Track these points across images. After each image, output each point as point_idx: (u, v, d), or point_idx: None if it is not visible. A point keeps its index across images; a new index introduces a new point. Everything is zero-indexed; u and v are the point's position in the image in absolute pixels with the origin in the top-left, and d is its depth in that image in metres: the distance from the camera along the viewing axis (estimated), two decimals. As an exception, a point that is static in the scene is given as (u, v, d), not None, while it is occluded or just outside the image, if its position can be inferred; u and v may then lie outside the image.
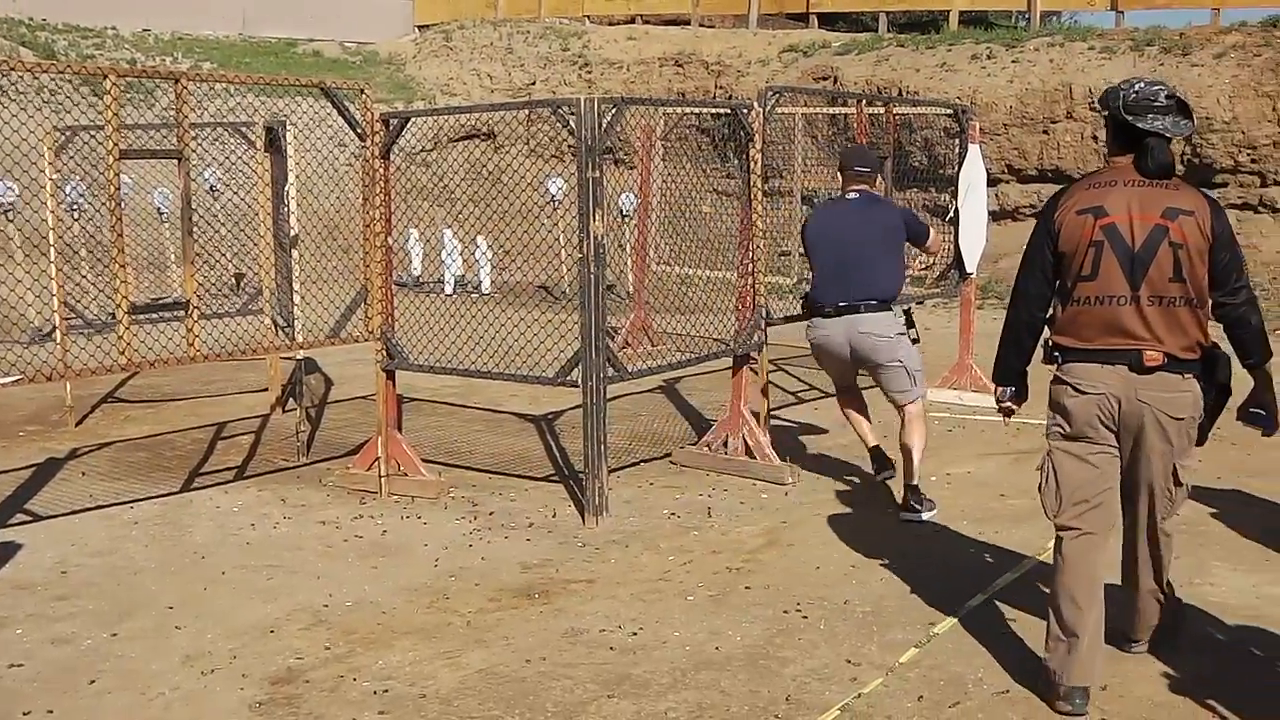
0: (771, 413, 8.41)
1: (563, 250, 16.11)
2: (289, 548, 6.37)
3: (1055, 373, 4.52)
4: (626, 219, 15.48)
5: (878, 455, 7.19)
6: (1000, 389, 4.79)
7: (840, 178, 7.08)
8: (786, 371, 11.33)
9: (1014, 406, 4.82)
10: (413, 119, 7.43)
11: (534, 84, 22.38)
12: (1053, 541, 4.57)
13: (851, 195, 6.98)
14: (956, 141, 10.06)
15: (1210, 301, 4.36)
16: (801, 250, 7.49)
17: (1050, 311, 4.54)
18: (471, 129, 21.14)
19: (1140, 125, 4.34)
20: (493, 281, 17.33)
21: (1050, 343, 4.53)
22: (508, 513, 6.94)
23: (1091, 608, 4.38)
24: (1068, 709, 4.33)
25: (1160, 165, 4.34)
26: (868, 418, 7.32)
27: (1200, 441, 4.45)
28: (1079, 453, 4.44)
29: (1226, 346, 4.45)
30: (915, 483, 6.80)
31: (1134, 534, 4.61)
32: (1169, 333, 4.29)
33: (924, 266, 10.95)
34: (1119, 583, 4.76)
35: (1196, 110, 16.36)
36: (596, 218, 6.48)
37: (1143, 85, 4.38)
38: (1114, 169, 4.42)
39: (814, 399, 10.13)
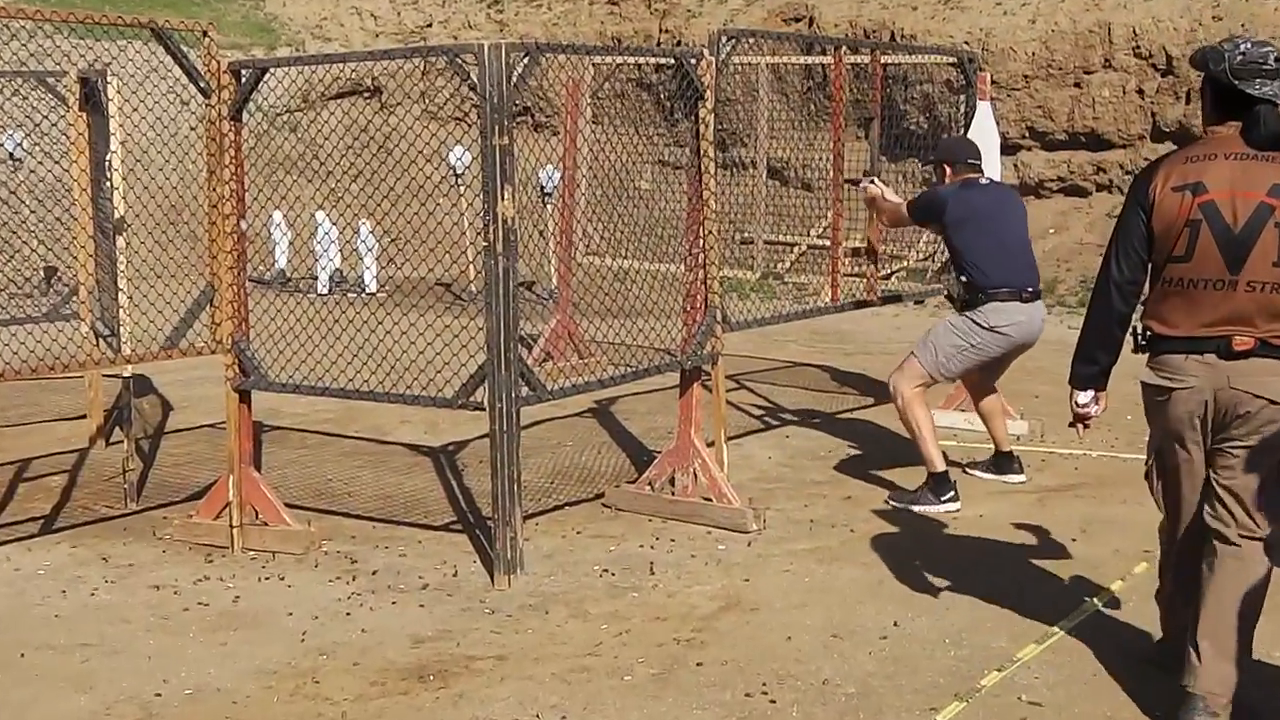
0: (731, 441, 8.40)
1: (468, 238, 16.06)
2: (111, 620, 6.26)
3: (1146, 364, 4.96)
4: (548, 198, 15.46)
5: (1012, 459, 8.56)
6: (1079, 394, 5.14)
7: (946, 171, 8.28)
8: (749, 389, 11.35)
9: (1094, 413, 5.16)
10: (272, 70, 7.35)
11: (430, 26, 22.37)
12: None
13: (984, 181, 8.32)
14: (962, 99, 10.13)
15: None
16: (933, 229, 8.60)
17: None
18: (351, 83, 21.07)
19: (1249, 91, 4.67)
20: (379, 278, 17.25)
21: (1141, 327, 4.94)
22: (395, 571, 6.87)
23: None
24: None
25: (1272, 135, 4.67)
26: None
27: None
28: (1179, 458, 4.97)
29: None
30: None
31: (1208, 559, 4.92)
32: (1267, 320, 4.68)
33: (923, 257, 11.01)
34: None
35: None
36: (506, 196, 6.43)
37: (1249, 46, 4.72)
38: (1215, 139, 4.78)
39: (783, 423, 10.14)
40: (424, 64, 20.52)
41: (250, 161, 7.46)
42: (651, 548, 7.23)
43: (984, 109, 9.76)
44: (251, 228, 7.61)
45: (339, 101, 20.68)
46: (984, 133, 9.70)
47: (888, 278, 12.10)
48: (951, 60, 10.51)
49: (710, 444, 7.83)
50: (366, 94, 21.24)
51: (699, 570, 6.86)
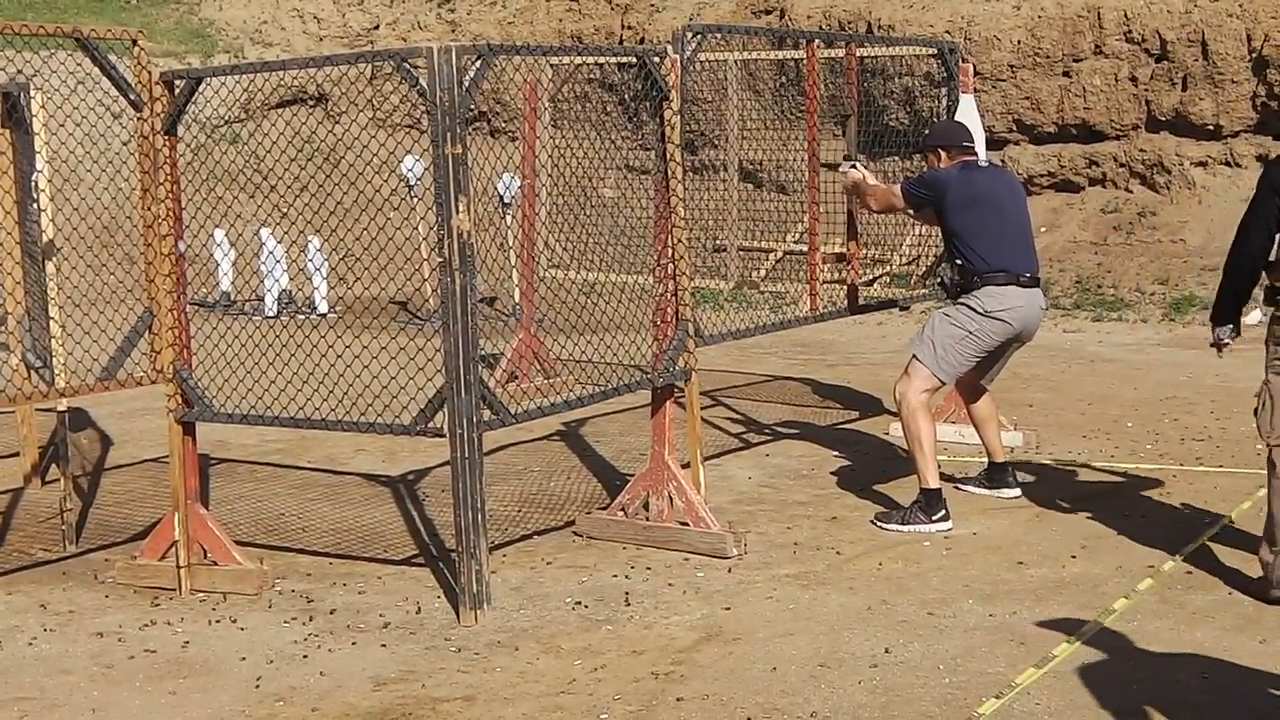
0: (708, 461, 8.43)
1: (423, 253, 16.07)
2: (51, 672, 6.23)
3: (1276, 312, 6.53)
4: (508, 208, 15.48)
5: (1006, 471, 8.65)
6: (1219, 329, 6.94)
7: (941, 156, 8.43)
8: (726, 405, 11.38)
9: (1230, 341, 6.96)
10: (209, 79, 7.36)
11: (377, 29, 22.38)
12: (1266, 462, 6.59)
13: (984, 164, 8.59)
14: (944, 92, 10.19)
15: None
16: (928, 213, 8.52)
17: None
18: (295, 91, 21.07)
19: None
20: (329, 298, 17.24)
21: (1274, 285, 6.53)
22: (355, 610, 6.87)
23: None
24: None
25: None
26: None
27: None
28: None
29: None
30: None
31: None
32: None
33: (907, 261, 11.07)
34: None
35: (1273, 36, 16.65)
36: (461, 208, 6.45)
37: None
38: None
39: (763, 441, 10.18)
40: (371, 69, 20.56)
41: (188, 177, 7.47)
42: (626, 577, 7.24)
43: (967, 102, 9.82)
44: (191, 248, 7.61)
45: (282, 111, 20.68)
46: (969, 126, 9.75)
47: (870, 283, 12.13)
48: (932, 52, 10.56)
49: (686, 465, 7.84)
50: (311, 102, 21.25)
51: (677, 600, 6.88)
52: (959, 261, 8.12)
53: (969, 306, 8.05)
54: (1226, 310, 6.88)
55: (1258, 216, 6.56)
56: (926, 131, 9.21)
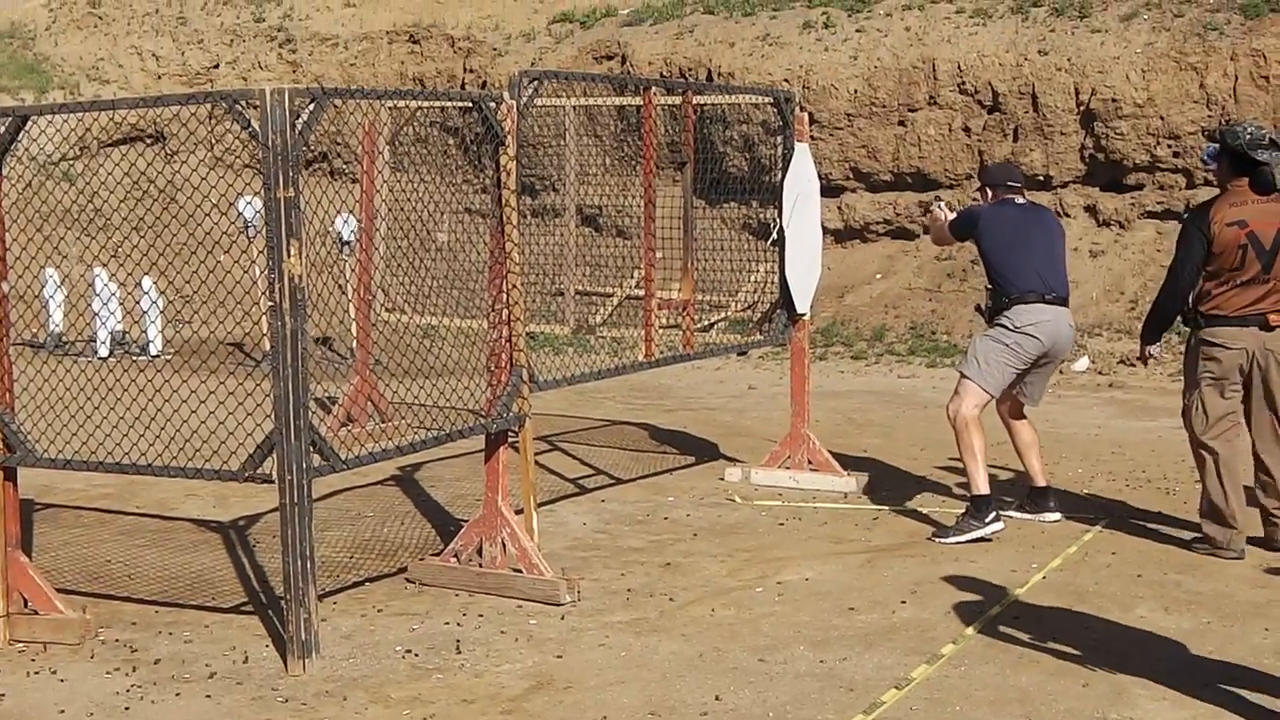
0: (542, 507, 8.40)
1: (259, 291, 15.88)
2: None
3: (1197, 334, 8.16)
4: (348, 248, 15.37)
5: (1048, 496, 9.14)
6: (1150, 346, 8.57)
7: (988, 194, 9.15)
8: (563, 450, 11.36)
9: (1157, 355, 8.78)
10: (37, 117, 7.22)
11: (216, 67, 22.16)
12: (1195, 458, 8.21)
13: (1021, 201, 9.13)
14: (779, 139, 10.28)
15: None
16: (972, 241, 9.22)
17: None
18: (133, 129, 20.76)
19: (1256, 157, 7.70)
20: (165, 339, 16.97)
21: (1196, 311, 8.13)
22: (180, 660, 6.74)
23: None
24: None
25: (1268, 185, 7.62)
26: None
27: None
28: (1221, 390, 8.11)
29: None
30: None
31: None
32: None
33: (744, 306, 11.15)
34: None
35: (1100, 90, 17.03)
36: (292, 252, 6.38)
37: (1254, 128, 7.89)
38: (1237, 190, 7.93)
39: (599, 487, 10.16)
40: (212, 108, 20.32)
41: (14, 217, 7.30)
42: (458, 624, 7.19)
43: (801, 150, 9.92)
44: (15, 288, 7.43)
45: (120, 149, 20.36)
46: (801, 176, 9.85)
47: (707, 329, 12.20)
48: (768, 100, 10.66)
49: (519, 511, 7.82)
50: (148, 140, 20.95)
51: (508, 648, 6.84)
52: (992, 287, 8.88)
53: (1002, 325, 8.75)
54: (1157, 332, 8.52)
55: (1189, 258, 8.05)
56: (983, 167, 10.42)
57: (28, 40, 22.42)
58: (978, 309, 9.33)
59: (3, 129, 7.10)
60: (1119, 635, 6.83)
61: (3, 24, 22.98)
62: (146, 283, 16.35)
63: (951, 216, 9.51)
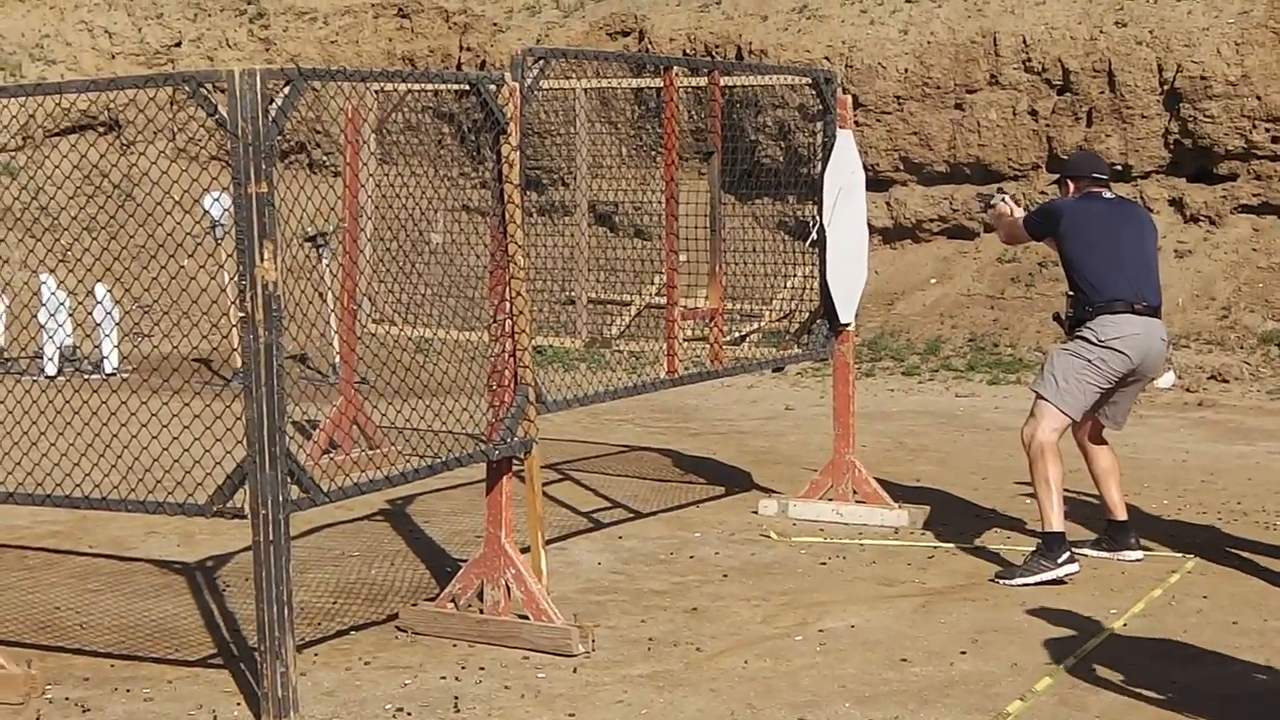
0: (551, 545, 8.39)
1: (228, 300, 15.92)
2: None
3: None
4: (322, 250, 15.41)
5: (1128, 532, 9.04)
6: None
7: (1070, 186, 9.09)
8: (576, 480, 11.36)
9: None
10: (-26, 105, 7.26)
11: (178, 45, 22.24)
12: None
13: (1109, 195, 9.07)
14: (819, 126, 10.27)
15: None
16: (1052, 239, 9.11)
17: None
18: (83, 116, 20.84)
19: None
20: (122, 355, 17.00)
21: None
22: (139, 720, 6.75)
23: None
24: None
25: None
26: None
27: None
28: None
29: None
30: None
31: None
32: None
33: (780, 316, 11.14)
34: None
35: (1186, 67, 16.98)
36: (266, 255, 6.39)
37: None
38: None
39: (615, 521, 10.16)
40: (174, 92, 20.38)
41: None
42: (456, 679, 7.18)
43: (844, 138, 9.91)
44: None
45: (69, 138, 20.44)
46: (844, 168, 9.84)
47: (738, 342, 12.19)
48: (806, 81, 10.65)
49: (526, 550, 7.81)
50: (102, 128, 21.03)
51: (513, 705, 6.83)
52: (1073, 293, 8.79)
53: (1084, 338, 8.65)
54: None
55: None
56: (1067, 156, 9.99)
57: (-36, 17, 22.55)
58: (1056, 318, 9.29)
59: (-62, 117, 7.14)
60: (1213, 692, 6.81)
61: (-63, -1, 23.14)
62: (100, 291, 16.38)
63: (1020, 211, 9.49)
